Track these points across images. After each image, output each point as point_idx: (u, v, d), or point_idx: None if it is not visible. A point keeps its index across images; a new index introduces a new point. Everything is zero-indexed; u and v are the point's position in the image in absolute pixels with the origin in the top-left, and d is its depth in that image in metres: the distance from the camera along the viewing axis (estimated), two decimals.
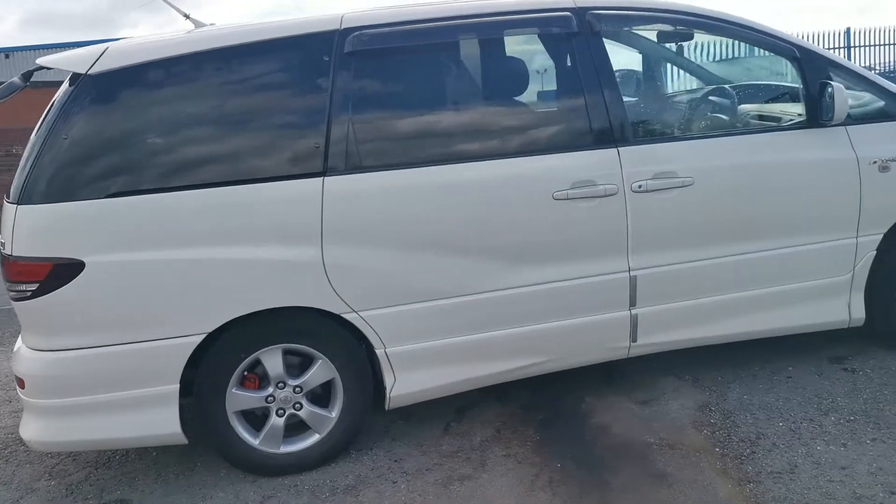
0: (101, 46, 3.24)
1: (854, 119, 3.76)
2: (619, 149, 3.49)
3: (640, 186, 3.48)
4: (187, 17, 3.83)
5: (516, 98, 3.55)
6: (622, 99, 3.53)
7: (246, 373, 3.37)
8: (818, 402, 3.66)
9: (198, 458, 3.62)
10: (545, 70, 3.57)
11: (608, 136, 3.49)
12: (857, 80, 3.83)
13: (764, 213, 3.66)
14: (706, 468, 3.21)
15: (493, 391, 3.97)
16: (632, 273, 3.58)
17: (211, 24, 3.74)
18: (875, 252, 3.83)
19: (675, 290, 3.66)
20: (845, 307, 3.87)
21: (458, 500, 3.17)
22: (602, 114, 3.48)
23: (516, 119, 3.52)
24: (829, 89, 3.51)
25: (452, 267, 3.37)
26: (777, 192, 3.66)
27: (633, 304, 3.63)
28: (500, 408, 3.93)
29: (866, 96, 3.85)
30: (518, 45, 3.53)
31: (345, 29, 3.34)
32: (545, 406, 3.90)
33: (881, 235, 3.82)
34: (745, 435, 3.43)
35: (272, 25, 3.38)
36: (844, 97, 3.51)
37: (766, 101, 3.96)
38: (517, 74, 3.55)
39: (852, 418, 3.49)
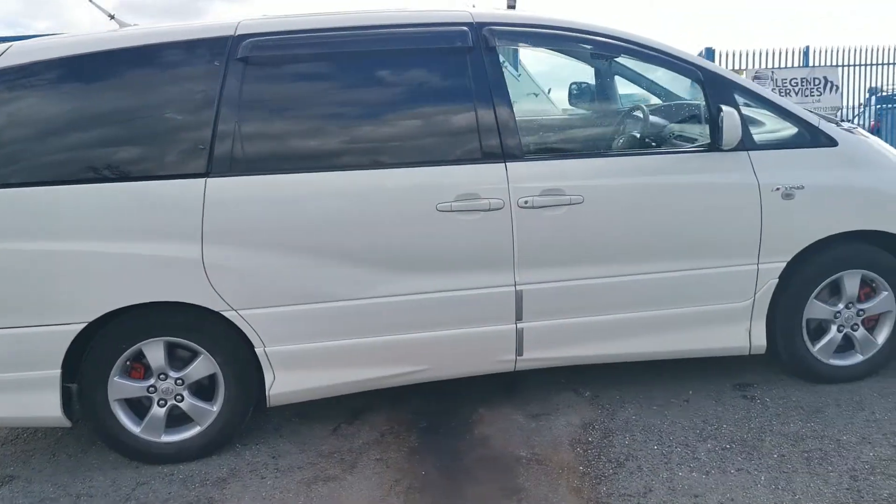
0: (5, 45, 3.40)
1: (760, 145, 3.70)
2: (508, 164, 3.51)
3: (526, 202, 3.50)
4: (112, 17, 3.97)
5: (405, 109, 3.59)
6: (514, 114, 3.55)
7: (131, 363, 3.49)
8: (702, 428, 3.62)
9: (96, 442, 3.76)
10: (438, 83, 3.60)
11: (496, 151, 3.51)
12: (765, 105, 3.77)
13: (658, 234, 3.64)
14: (562, 486, 3.22)
15: (393, 395, 4.05)
16: (518, 287, 3.60)
17: (134, 25, 3.89)
18: (777, 280, 3.77)
19: (563, 307, 3.67)
20: (745, 334, 3.82)
21: (314, 499, 3.25)
22: (491, 128, 3.50)
23: (404, 130, 3.57)
24: (721, 114, 3.47)
25: (334, 273, 3.44)
26: (672, 214, 3.63)
27: (519, 318, 3.64)
28: (394, 412, 3.99)
29: (776, 122, 3.79)
30: (413, 58, 3.57)
31: (239, 35, 3.44)
32: (438, 413, 3.95)
33: (784, 264, 3.76)
34: (616, 456, 3.43)
35: (170, 29, 3.51)
36: (735, 123, 3.46)
37: (676, 123, 3.91)
38: (408, 86, 3.59)
39: (728, 446, 3.45)
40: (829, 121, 4.05)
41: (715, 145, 3.60)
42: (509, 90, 3.63)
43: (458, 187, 3.48)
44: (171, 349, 3.51)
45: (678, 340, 3.82)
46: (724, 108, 3.47)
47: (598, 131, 4.11)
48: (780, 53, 15.77)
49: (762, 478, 3.19)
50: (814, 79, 16.09)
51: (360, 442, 3.70)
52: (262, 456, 3.63)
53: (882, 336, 3.97)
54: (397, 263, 3.49)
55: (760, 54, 15.51)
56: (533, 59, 3.98)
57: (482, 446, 3.60)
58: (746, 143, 3.66)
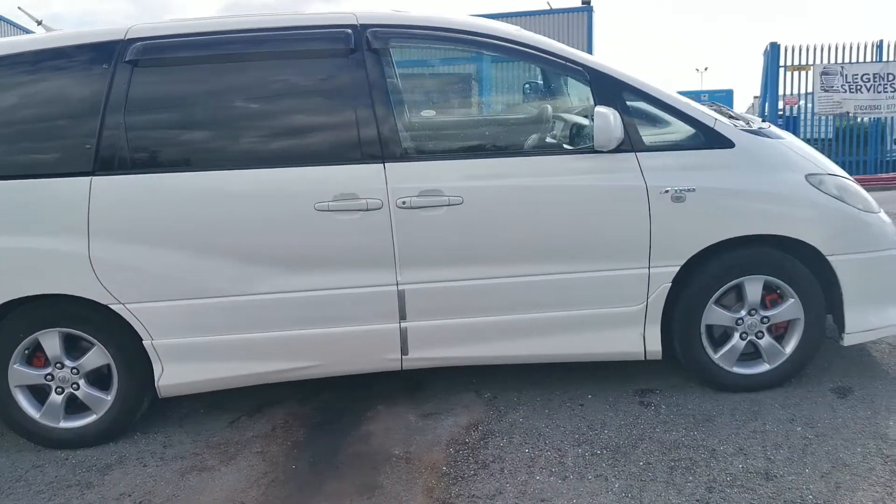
0: None
1: (649, 146, 3.63)
2: (386, 164, 3.55)
3: (404, 202, 3.53)
4: (39, 23, 4.18)
5: (287, 110, 3.66)
6: (395, 115, 3.58)
7: (33, 351, 3.69)
8: (583, 433, 3.58)
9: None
10: (320, 84, 3.65)
11: (376, 152, 3.55)
12: (656, 105, 3.68)
13: (541, 236, 3.61)
14: (418, 486, 3.24)
15: (304, 389, 4.16)
16: (400, 287, 3.63)
17: (59, 30, 4.08)
18: (670, 284, 3.68)
19: (447, 307, 3.68)
20: (639, 339, 3.75)
21: (182, 488, 3.36)
22: (371, 129, 3.55)
23: (285, 131, 3.64)
24: (593, 114, 3.42)
25: (217, 269, 3.55)
26: (555, 216, 3.60)
27: (402, 317, 3.68)
28: (296, 406, 4.08)
29: (675, 124, 3.70)
30: (296, 60, 3.63)
31: (128, 39, 3.59)
32: (336, 409, 4.02)
33: (677, 268, 3.67)
34: (484, 458, 3.42)
35: (66, 34, 3.68)
36: (607, 124, 3.40)
37: (568, 124, 3.86)
38: (291, 88, 3.67)
39: (599, 452, 3.40)
40: (738, 120, 3.93)
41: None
42: (399, 92, 3.69)
43: (337, 187, 3.53)
44: (72, 340, 3.68)
45: (570, 344, 3.77)
46: (597, 108, 3.42)
47: (483, 132, 4.09)
48: (852, 48, 15.12)
49: (616, 485, 3.14)
50: (887, 74, 15.40)
51: (251, 434, 3.80)
52: (155, 444, 3.78)
53: (790, 345, 3.82)
54: (279, 261, 3.57)
55: (830, 49, 14.93)
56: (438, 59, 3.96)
57: (362, 443, 3.65)
58: (635, 145, 3.59)
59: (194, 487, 3.36)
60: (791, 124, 15.28)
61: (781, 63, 15.46)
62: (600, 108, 3.42)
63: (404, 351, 3.73)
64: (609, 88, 3.61)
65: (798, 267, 3.71)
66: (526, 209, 3.59)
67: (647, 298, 3.70)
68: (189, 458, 3.62)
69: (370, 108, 3.56)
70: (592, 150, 3.56)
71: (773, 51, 15.60)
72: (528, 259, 3.63)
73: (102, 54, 3.57)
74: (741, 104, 32.52)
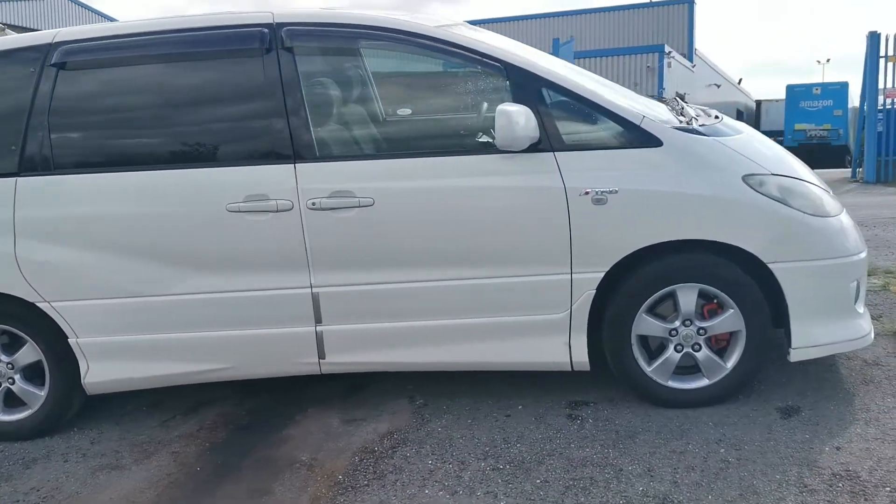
0: None
1: (569, 145, 3.43)
2: (297, 165, 3.49)
3: (314, 204, 3.47)
4: (3, 28, 4.33)
5: (202, 110, 3.64)
6: (307, 116, 3.51)
7: None
8: (495, 446, 3.42)
9: None
10: (234, 84, 3.61)
11: (287, 152, 3.50)
12: (579, 101, 3.46)
13: (456, 239, 3.47)
14: (307, 493, 3.18)
15: (245, 389, 4.16)
16: (314, 290, 3.57)
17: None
18: (594, 291, 3.47)
19: (363, 311, 3.59)
20: (565, 348, 3.55)
21: (88, 486, 3.41)
22: (283, 129, 3.50)
23: (200, 130, 3.62)
24: (496, 112, 3.25)
25: (136, 269, 3.58)
26: (471, 218, 3.45)
27: (318, 320, 3.62)
28: (231, 407, 4.08)
29: (598, 121, 3.48)
30: (211, 60, 3.61)
31: (56, 42, 3.66)
32: (267, 411, 3.99)
33: (601, 274, 3.45)
34: (385, 468, 3.32)
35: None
36: (510, 123, 3.22)
37: (482, 123, 3.68)
38: (206, 88, 3.64)
39: (501, 467, 3.24)
40: (683, 116, 3.67)
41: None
42: (315, 91, 3.62)
43: (248, 188, 3.50)
44: (11, 336, 3.79)
45: (493, 352, 3.61)
46: (500, 107, 3.25)
47: (399, 132, 3.95)
48: None
49: (502, 503, 2.98)
50: None
51: (175, 434, 3.82)
52: (84, 441, 3.85)
53: (732, 359, 3.54)
54: (193, 262, 3.57)
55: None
56: (331, 57, 3.85)
57: (275, 447, 3.60)
58: (553, 144, 3.40)
59: (99, 485, 3.40)
60: (893, 119, 14.22)
61: (882, 53, 14.37)
62: (504, 107, 3.24)
63: (321, 355, 3.66)
64: (526, 85, 3.43)
65: (737, 275, 3.43)
66: (438, 211, 3.45)
67: (571, 306, 3.50)
68: (108, 456, 3.66)
69: (282, 108, 3.50)
70: (511, 151, 3.38)
71: (872, 40, 14.56)
72: (444, 263, 3.50)
73: (31, 58, 3.65)
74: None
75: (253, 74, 3.55)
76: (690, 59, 31.58)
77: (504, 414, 3.72)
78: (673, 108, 3.91)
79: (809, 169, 3.80)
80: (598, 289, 3.47)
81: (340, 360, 3.68)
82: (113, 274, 3.60)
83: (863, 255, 3.50)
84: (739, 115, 39.57)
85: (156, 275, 3.58)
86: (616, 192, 3.35)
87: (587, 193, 3.37)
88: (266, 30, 3.55)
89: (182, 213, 3.54)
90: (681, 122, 3.57)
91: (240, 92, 3.60)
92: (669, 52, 26.98)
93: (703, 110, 4.13)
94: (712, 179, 3.36)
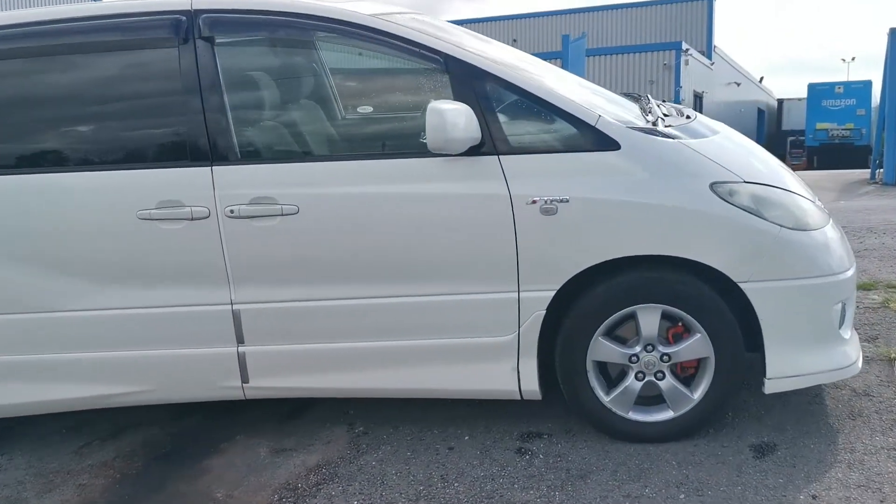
0: None
1: (516, 148, 3.04)
2: (214, 168, 3.14)
3: (232, 211, 3.11)
4: None
5: (111, 106, 3.28)
6: (226, 113, 3.16)
7: None
8: (429, 485, 3.04)
9: None
10: (148, 77, 3.25)
11: (204, 153, 3.15)
12: (528, 98, 3.07)
13: (391, 253, 3.10)
14: None
15: (175, 411, 3.83)
16: (235, 306, 3.22)
17: None
18: (545, 312, 3.09)
19: (288, 331, 3.24)
20: (512, 374, 3.17)
21: None
22: (199, 128, 3.14)
23: (108, 128, 3.28)
24: (426, 112, 2.87)
25: (40, 281, 3.25)
26: (406, 230, 3.07)
27: (240, 340, 3.26)
28: (158, 431, 3.74)
29: (551, 122, 3.09)
30: (123, 50, 3.25)
31: None
32: (193, 437, 3.64)
33: (552, 293, 3.06)
34: None
35: None
36: (442, 123, 2.83)
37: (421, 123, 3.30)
38: (117, 81, 3.28)
39: None
40: (651, 115, 3.27)
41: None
42: (237, 86, 3.28)
43: (161, 193, 3.15)
44: None
45: (433, 377, 3.24)
46: (431, 104, 2.86)
47: (330, 131, 3.57)
48: None
49: None
50: None
51: (88, 463, 3.48)
52: None
53: (700, 388, 3.14)
54: (104, 274, 3.23)
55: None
56: (255, 50, 3.48)
57: (191, 480, 3.26)
58: (498, 146, 3.02)
59: None
60: None
61: None
62: (436, 105, 2.86)
63: (244, 379, 3.31)
64: (467, 79, 3.05)
65: (704, 295, 3.03)
66: (369, 221, 3.08)
67: (519, 328, 3.12)
68: (11, 487, 3.33)
69: (199, 105, 3.15)
70: (446, 154, 3.00)
71: (893, 37, 13.95)
72: (377, 279, 3.13)
73: None
74: None
75: (168, 67, 3.19)
76: (709, 57, 30.98)
77: (448, 446, 3.34)
78: (642, 108, 3.51)
79: (794, 175, 3.39)
80: (549, 309, 3.08)
81: (266, 384, 3.32)
82: (13, 287, 3.26)
83: (849, 272, 3.09)
84: (761, 114, 38.98)
85: (60, 288, 3.25)
86: (567, 200, 2.96)
87: (535, 202, 2.98)
88: (182, 17, 3.19)
89: (88, 220, 3.20)
90: (647, 122, 3.17)
91: (153, 86, 3.25)
92: (687, 50, 26.43)
93: (677, 109, 3.73)
94: (675, 187, 2.96)
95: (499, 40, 3.95)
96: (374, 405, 3.73)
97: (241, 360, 3.28)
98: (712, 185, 2.96)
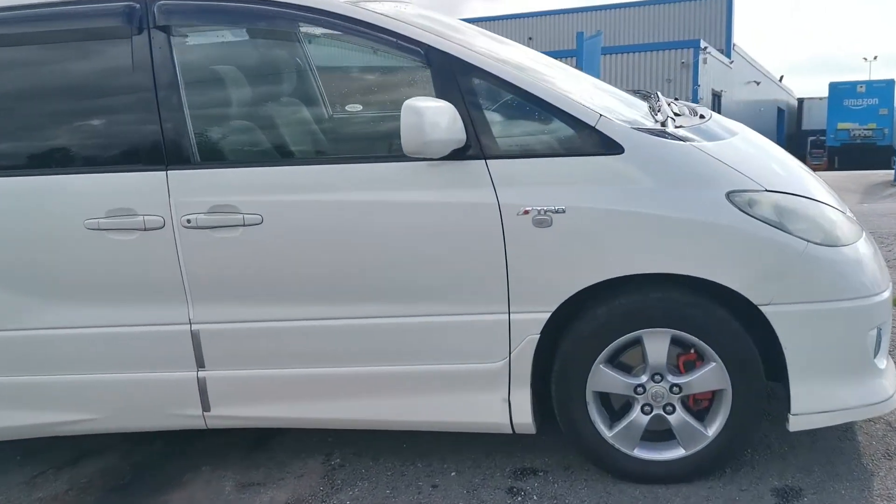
0: None
1: (505, 151, 2.69)
2: (170, 172, 2.80)
3: (189, 221, 2.78)
4: None
5: (55, 103, 2.95)
6: (183, 111, 2.82)
7: None
8: None
9: None
10: (96, 70, 2.92)
11: (158, 156, 2.81)
12: (521, 96, 2.71)
13: (364, 268, 2.76)
14: None
15: (139, 437, 3.51)
16: (194, 326, 2.89)
17: None
18: (538, 336, 2.73)
19: (254, 354, 2.91)
20: (503, 406, 2.82)
21: None
22: (153, 128, 2.81)
23: (55, 128, 2.96)
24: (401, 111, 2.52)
25: None
26: (383, 243, 2.73)
27: (200, 364, 2.93)
28: (118, 459, 3.43)
29: (547, 122, 2.73)
30: (69, 41, 2.91)
31: None
32: (156, 466, 3.32)
33: (547, 314, 2.71)
34: None
35: None
36: (420, 122, 2.48)
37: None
38: (61, 75, 2.95)
39: None
40: (659, 114, 2.91)
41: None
42: (196, 80, 2.95)
43: (110, 200, 2.83)
44: None
45: (414, 408, 2.90)
46: (407, 103, 2.51)
47: (297, 131, 3.21)
48: None
49: None
50: None
51: (38, 496, 3.17)
52: None
53: (715, 424, 2.77)
54: (48, 290, 2.91)
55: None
56: (218, 40, 3.14)
57: None
58: (486, 150, 2.67)
59: None
60: None
61: None
62: (413, 103, 2.51)
63: (205, 406, 2.98)
64: (451, 73, 2.70)
65: (721, 320, 2.66)
66: (339, 232, 2.74)
67: (510, 353, 2.77)
68: None
69: (153, 101, 2.82)
70: (425, 159, 2.65)
71: None
72: (351, 297, 2.79)
73: None
74: None
75: (119, 60, 2.86)
76: (728, 55, 30.46)
77: (431, 483, 2.99)
78: (651, 107, 3.15)
79: (821, 182, 3.02)
80: (544, 333, 2.73)
81: (229, 413, 2.99)
82: None
83: (885, 294, 2.71)
84: (781, 114, 38.38)
85: (2, 304, 2.92)
86: (563, 210, 2.61)
87: (527, 212, 2.63)
88: (137, 4, 2.85)
89: (31, 229, 2.88)
90: (655, 122, 2.81)
91: (103, 81, 2.92)
92: (705, 48, 25.94)
93: (690, 108, 3.36)
94: (687, 196, 2.60)
95: (514, 39, 3.62)
96: (355, 432, 3.37)
97: (202, 385, 2.95)
98: (729, 195, 2.59)
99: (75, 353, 2.96)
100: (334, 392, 2.92)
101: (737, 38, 33.43)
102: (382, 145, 2.91)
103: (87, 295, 2.91)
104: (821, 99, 35.35)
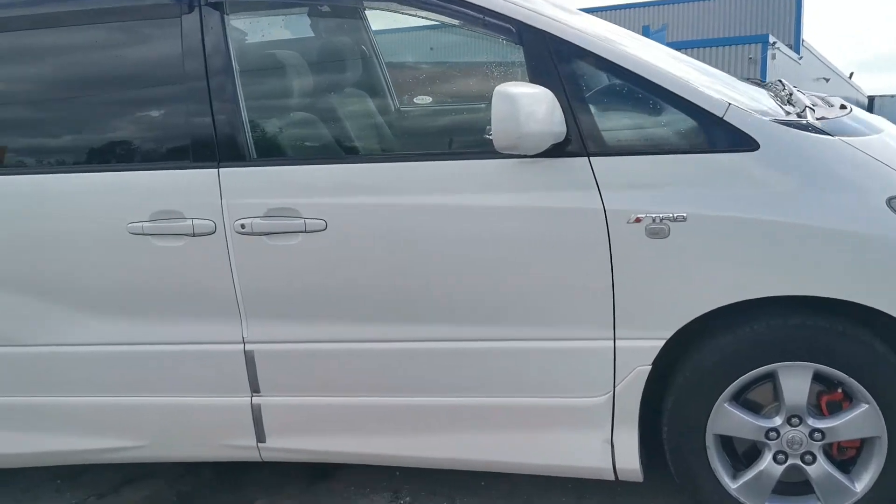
0: None
1: (613, 147, 2.26)
2: (222, 170, 2.44)
3: (244, 226, 2.41)
4: None
5: (95, 92, 2.62)
6: (239, 100, 2.46)
7: None
8: None
9: None
10: (140, 56, 2.57)
11: (209, 152, 2.46)
12: (635, 82, 2.27)
13: (444, 284, 2.36)
14: None
15: (181, 465, 3.14)
16: (248, 346, 2.53)
17: None
18: (650, 367, 2.30)
19: (315, 379, 2.54)
20: (605, 448, 2.39)
21: None
22: (204, 120, 2.45)
23: (88, 121, 2.63)
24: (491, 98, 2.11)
25: (6, 307, 2.62)
26: (464, 254, 2.33)
27: (254, 389, 2.57)
28: (164, 486, 3.11)
29: (663, 112, 2.29)
30: (108, 24, 2.56)
31: None
32: (205, 497, 2.98)
33: (661, 342, 2.27)
34: None
35: None
36: (515, 111, 2.07)
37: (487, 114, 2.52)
38: (101, 61, 2.61)
39: None
40: (793, 105, 2.44)
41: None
42: (254, 67, 2.60)
43: (155, 201, 2.48)
44: None
45: (497, 447, 2.50)
46: (499, 88, 2.10)
47: (369, 124, 2.81)
48: None
49: None
50: None
51: None
52: None
53: (865, 479, 2.31)
54: (84, 302, 2.59)
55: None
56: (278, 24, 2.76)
57: None
58: (589, 145, 2.24)
59: None
60: None
61: None
62: (505, 88, 2.10)
63: (260, 437, 2.62)
64: (548, 54, 2.27)
65: (877, 353, 2.20)
66: (415, 240, 2.35)
67: (615, 387, 2.34)
68: None
69: (204, 89, 2.45)
70: (520, 155, 2.23)
71: None
72: (424, 316, 2.40)
73: None
74: None
75: (166, 43, 2.51)
76: (797, 51, 29.41)
77: None
78: (776, 95, 2.68)
79: None
80: (656, 364, 2.29)
81: (286, 445, 2.63)
82: None
83: None
84: None
85: (29, 317, 2.61)
86: (684, 218, 2.17)
87: (639, 220, 2.20)
88: None
89: (67, 235, 2.55)
90: (787, 113, 2.35)
91: (148, 67, 2.58)
92: (774, 43, 25.03)
93: (822, 98, 2.87)
94: (837, 202, 2.14)
95: None
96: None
97: (256, 413, 2.58)
98: (890, 201, 2.12)
99: (116, 373, 2.63)
100: (406, 425, 2.53)
101: (806, 34, 32.28)
102: (467, 140, 2.50)
103: (129, 308, 2.57)
104: (892, 96, 34.12)
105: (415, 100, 3.28)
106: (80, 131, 2.62)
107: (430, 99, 3.21)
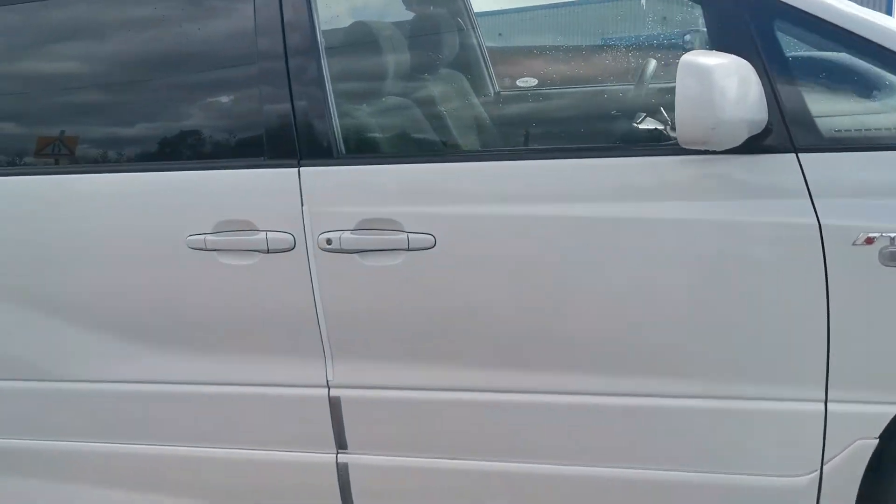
0: None
1: (829, 142, 1.67)
2: (303, 170, 1.94)
3: (330, 241, 1.91)
4: None
5: (145, 81, 2.14)
6: (325, 86, 1.94)
7: None
8: None
9: None
10: (207, 36, 2.07)
11: (288, 148, 1.96)
12: (862, 51, 1.68)
13: (589, 318, 1.81)
14: None
15: None
16: (333, 391, 2.03)
17: None
18: (876, 441, 1.70)
19: (418, 435, 2.02)
20: None
21: None
22: (282, 110, 1.95)
23: (142, 113, 2.16)
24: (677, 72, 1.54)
25: (37, 335, 2.20)
26: (615, 280, 1.78)
27: (341, 445, 2.07)
28: None
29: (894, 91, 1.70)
30: (170, 4, 2.09)
31: None
32: None
33: (893, 408, 1.67)
34: None
35: None
36: (706, 90, 1.50)
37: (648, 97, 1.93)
38: (160, 43, 2.13)
39: None
40: None
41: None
42: (342, 48, 2.11)
43: (220, 209, 1.99)
44: None
45: None
46: (685, 58, 1.53)
47: (489, 114, 2.26)
48: None
49: None
50: None
51: None
52: None
53: None
54: (132, 331, 2.14)
55: None
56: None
57: None
58: (797, 138, 1.65)
59: None
60: None
61: None
62: (695, 59, 1.53)
63: (347, 501, 2.10)
64: (738, 14, 1.68)
65: None
66: (555, 263, 1.80)
67: (823, 464, 1.75)
68: None
69: (283, 72, 1.95)
70: (709, 151, 1.66)
71: None
72: (566, 361, 1.86)
73: None
74: None
75: (236, 17, 2.02)
76: None
77: None
78: None
79: None
80: (883, 438, 1.68)
81: None
82: (11, 341, 2.22)
83: None
84: None
85: (63, 346, 2.17)
86: None
87: (870, 241, 1.60)
88: None
89: (110, 247, 2.08)
90: None
91: (214, 47, 2.10)
92: None
93: None
94: None
95: None
96: None
97: (342, 475, 2.08)
98: None
99: (170, 418, 2.17)
100: (537, 499, 1.98)
101: None
102: (628, 130, 1.93)
103: (186, 340, 2.10)
104: None
105: (517, 82, 2.73)
106: (131, 123, 2.16)
107: (536, 81, 2.66)
